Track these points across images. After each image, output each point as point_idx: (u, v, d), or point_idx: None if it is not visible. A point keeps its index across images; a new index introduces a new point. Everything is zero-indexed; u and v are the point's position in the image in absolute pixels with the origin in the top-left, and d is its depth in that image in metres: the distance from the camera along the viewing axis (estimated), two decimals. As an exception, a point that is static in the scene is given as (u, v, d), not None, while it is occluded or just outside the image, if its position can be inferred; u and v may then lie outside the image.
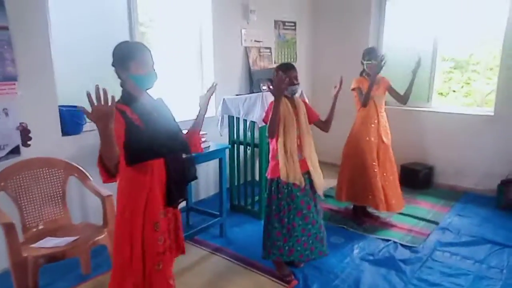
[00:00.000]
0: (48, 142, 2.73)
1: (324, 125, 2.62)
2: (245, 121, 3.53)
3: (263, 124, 3.33)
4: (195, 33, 3.94)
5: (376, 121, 3.29)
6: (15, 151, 2.56)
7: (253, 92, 3.87)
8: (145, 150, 1.64)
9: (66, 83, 2.88)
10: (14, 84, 2.51)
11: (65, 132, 2.86)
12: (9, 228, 2.03)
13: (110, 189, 2.34)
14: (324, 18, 5.11)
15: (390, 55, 3.58)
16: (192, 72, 3.96)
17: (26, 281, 2.07)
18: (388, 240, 3.10)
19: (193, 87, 3.95)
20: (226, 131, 3.65)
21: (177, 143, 1.79)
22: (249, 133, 3.57)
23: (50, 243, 2.25)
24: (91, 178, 2.54)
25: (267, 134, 2.43)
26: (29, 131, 2.62)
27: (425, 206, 3.86)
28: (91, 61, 3.02)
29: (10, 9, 2.46)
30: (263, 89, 3.94)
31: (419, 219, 3.52)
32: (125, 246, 1.72)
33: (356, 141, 3.33)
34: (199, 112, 2.03)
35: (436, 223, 3.43)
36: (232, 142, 3.66)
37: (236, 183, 3.73)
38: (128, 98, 1.69)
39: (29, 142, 2.62)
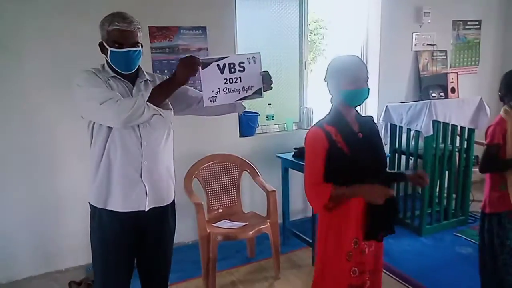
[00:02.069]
0: (229, 141, 3.28)
1: None
2: (408, 130, 3.39)
3: (430, 133, 3.17)
4: (362, 38, 3.99)
5: None
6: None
7: (421, 100, 3.67)
8: (348, 176, 1.53)
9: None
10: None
11: (242, 133, 3.37)
12: (199, 208, 2.57)
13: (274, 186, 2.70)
14: (519, 12, 4.37)
15: None
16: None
17: (208, 252, 2.57)
18: None
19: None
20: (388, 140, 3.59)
21: (382, 168, 1.66)
22: (412, 143, 3.41)
23: (227, 224, 2.73)
24: (260, 174, 2.94)
25: (479, 167, 2.06)
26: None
27: None
28: (265, 68, 3.45)
29: (210, 34, 3.09)
30: (433, 97, 3.68)
31: None
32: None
33: None
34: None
35: None
36: (393, 151, 3.56)
37: (395, 194, 3.61)
38: (335, 116, 1.61)
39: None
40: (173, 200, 1.81)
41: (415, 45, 4.02)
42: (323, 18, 4.01)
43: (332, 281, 1.64)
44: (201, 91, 1.65)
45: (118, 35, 1.54)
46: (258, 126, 3.47)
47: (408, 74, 4.05)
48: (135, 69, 1.64)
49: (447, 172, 3.50)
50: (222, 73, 1.60)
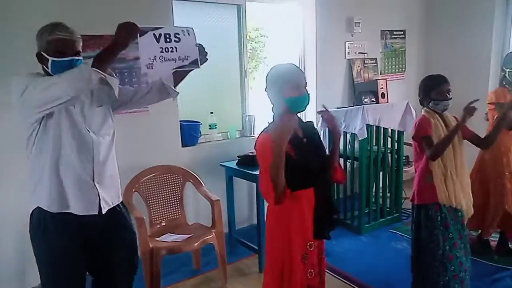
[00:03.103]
0: (171, 152, 3.21)
1: (482, 142, 2.30)
2: (345, 133, 3.57)
3: (364, 136, 3.36)
4: (299, 47, 4.13)
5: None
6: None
7: (355, 105, 3.88)
8: (297, 180, 1.59)
9: (186, 101, 3.34)
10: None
11: (184, 143, 3.32)
12: (140, 222, 2.47)
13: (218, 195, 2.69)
14: (437, 24, 4.80)
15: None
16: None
17: (152, 268, 2.48)
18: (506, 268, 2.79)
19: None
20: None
21: (327, 171, 1.73)
22: (349, 146, 3.59)
23: (170, 238, 2.65)
24: (203, 184, 2.91)
25: (429, 155, 2.15)
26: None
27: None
28: (206, 77, 3.43)
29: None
30: (365, 102, 3.91)
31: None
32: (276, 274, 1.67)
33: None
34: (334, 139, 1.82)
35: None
36: (332, 154, 3.72)
37: (335, 197, 3.76)
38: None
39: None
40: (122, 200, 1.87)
41: (348, 53, 4.25)
42: (263, 26, 4.09)
43: (289, 285, 1.65)
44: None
45: (60, 44, 1.57)
46: (201, 135, 3.44)
47: (343, 81, 4.26)
48: None
49: (381, 172, 3.73)
50: (158, 42, 1.67)
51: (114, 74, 1.68)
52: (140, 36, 1.61)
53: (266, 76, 1.70)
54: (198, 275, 2.91)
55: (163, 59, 1.69)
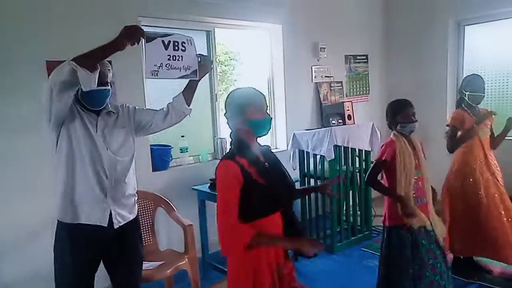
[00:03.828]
0: (141, 177, 3.12)
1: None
2: (314, 155, 3.65)
3: (332, 157, 3.45)
4: (268, 70, 4.24)
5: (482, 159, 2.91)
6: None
7: (323, 126, 4.00)
8: (267, 205, 1.55)
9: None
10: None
11: (155, 168, 3.27)
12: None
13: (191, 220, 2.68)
14: (397, 48, 5.09)
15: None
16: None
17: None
18: (473, 282, 2.89)
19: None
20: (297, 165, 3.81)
21: (293, 194, 1.72)
22: (319, 167, 3.67)
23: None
24: (175, 209, 2.87)
25: (367, 177, 2.36)
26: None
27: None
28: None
29: (115, 67, 2.97)
30: (332, 124, 4.04)
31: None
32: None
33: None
34: None
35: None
36: (303, 175, 3.79)
37: (308, 217, 3.81)
38: (243, 147, 1.58)
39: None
40: (137, 216, 2.02)
41: (315, 77, 4.40)
42: (232, 49, 4.19)
43: None
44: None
45: None
46: (172, 159, 3.42)
47: (311, 103, 4.39)
48: (103, 106, 1.82)
49: (350, 191, 3.82)
50: (166, 49, 1.68)
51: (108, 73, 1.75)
52: (147, 42, 1.62)
53: (227, 100, 1.65)
54: (172, 303, 2.83)
55: (169, 67, 1.71)
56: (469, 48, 4.59)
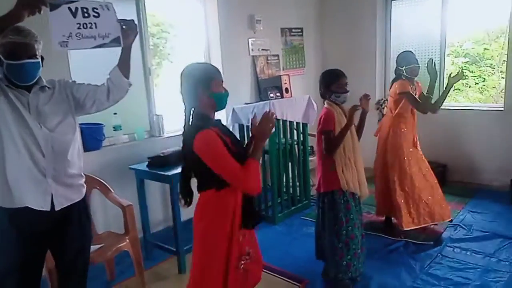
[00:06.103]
0: (72, 158, 2.93)
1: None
2: (255, 128, 3.67)
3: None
4: (203, 43, 4.11)
5: (414, 128, 3.18)
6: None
7: (262, 100, 4.02)
8: None
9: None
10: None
11: (87, 148, 3.06)
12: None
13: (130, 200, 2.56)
14: (330, 22, 5.22)
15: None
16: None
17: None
18: (399, 240, 3.17)
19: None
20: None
21: None
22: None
23: (78, 251, 2.44)
24: (112, 190, 2.73)
25: (324, 149, 2.35)
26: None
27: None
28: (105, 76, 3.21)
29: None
30: (271, 97, 4.08)
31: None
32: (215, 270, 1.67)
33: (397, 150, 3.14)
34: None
35: (450, 220, 3.47)
36: (243, 149, 3.80)
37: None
38: (207, 120, 1.64)
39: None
40: (84, 198, 1.90)
41: (252, 50, 4.37)
42: (164, 21, 3.97)
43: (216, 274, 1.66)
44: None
45: (12, 48, 1.54)
46: (105, 138, 3.22)
47: (250, 77, 4.38)
48: (34, 81, 1.65)
49: (290, 163, 3.93)
50: (74, 17, 1.56)
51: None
52: (51, 10, 1.47)
53: (183, 74, 1.65)
54: (114, 286, 2.74)
55: (80, 36, 1.57)
56: (397, 23, 4.84)
